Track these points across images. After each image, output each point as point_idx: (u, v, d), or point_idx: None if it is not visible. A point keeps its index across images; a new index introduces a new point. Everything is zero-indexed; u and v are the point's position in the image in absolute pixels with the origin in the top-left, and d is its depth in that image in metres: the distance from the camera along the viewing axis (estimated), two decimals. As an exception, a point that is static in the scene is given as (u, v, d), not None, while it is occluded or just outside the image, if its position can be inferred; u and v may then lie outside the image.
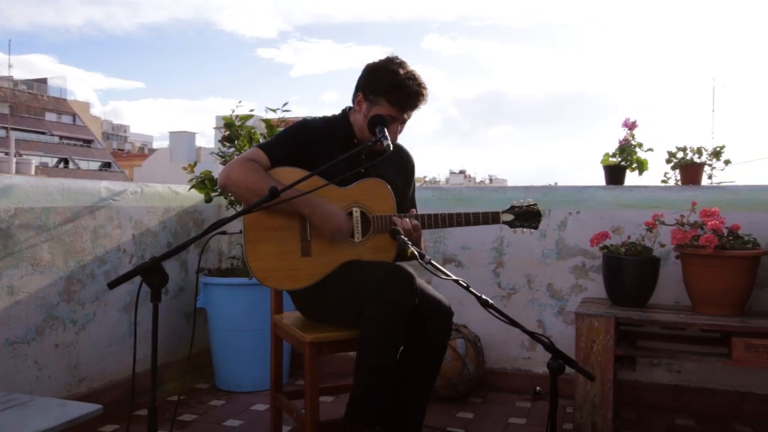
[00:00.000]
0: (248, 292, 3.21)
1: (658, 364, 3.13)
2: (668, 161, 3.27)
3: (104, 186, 3.08)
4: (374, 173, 2.28)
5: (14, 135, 41.31)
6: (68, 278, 2.83)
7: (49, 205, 2.75)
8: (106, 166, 54.46)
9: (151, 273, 1.66)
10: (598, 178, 3.39)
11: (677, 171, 3.28)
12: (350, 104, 2.37)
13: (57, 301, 2.77)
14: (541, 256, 3.33)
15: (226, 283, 3.27)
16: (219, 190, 3.39)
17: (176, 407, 2.13)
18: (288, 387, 3.31)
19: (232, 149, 3.44)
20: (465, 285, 1.73)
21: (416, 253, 1.89)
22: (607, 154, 3.34)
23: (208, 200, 3.43)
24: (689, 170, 3.22)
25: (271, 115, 3.52)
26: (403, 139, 2.40)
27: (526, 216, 2.33)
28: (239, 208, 3.26)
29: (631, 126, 3.29)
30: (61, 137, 52.47)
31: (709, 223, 2.63)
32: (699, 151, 3.21)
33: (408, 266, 2.12)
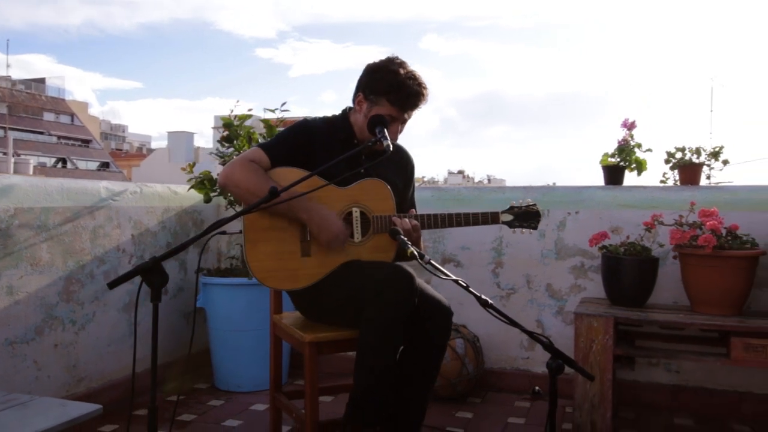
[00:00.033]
0: (247, 292, 3.22)
1: (657, 364, 3.14)
2: (667, 161, 3.28)
3: (104, 186, 3.08)
4: (374, 173, 2.28)
5: (12, 135, 41.25)
6: (67, 278, 2.83)
7: (49, 205, 2.75)
8: (105, 166, 54.43)
9: (152, 273, 1.66)
10: (597, 179, 3.40)
11: (676, 171, 3.29)
12: (350, 104, 2.37)
13: (56, 301, 2.77)
14: (540, 256, 3.33)
15: (226, 283, 3.27)
16: (218, 191, 3.39)
17: (175, 407, 2.14)
18: (287, 387, 3.32)
19: (231, 149, 3.44)
20: (465, 285, 1.73)
21: (416, 253, 1.89)
22: (606, 155, 3.35)
23: (208, 200, 3.43)
24: (688, 170, 3.23)
25: (269, 116, 3.53)
26: (401, 140, 2.40)
27: (526, 216, 2.33)
28: (238, 208, 3.27)
29: (630, 126, 3.30)
30: (59, 137, 52.42)
31: (708, 223, 2.63)
32: (698, 152, 3.21)
33: (408, 266, 2.12)
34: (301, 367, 3.55)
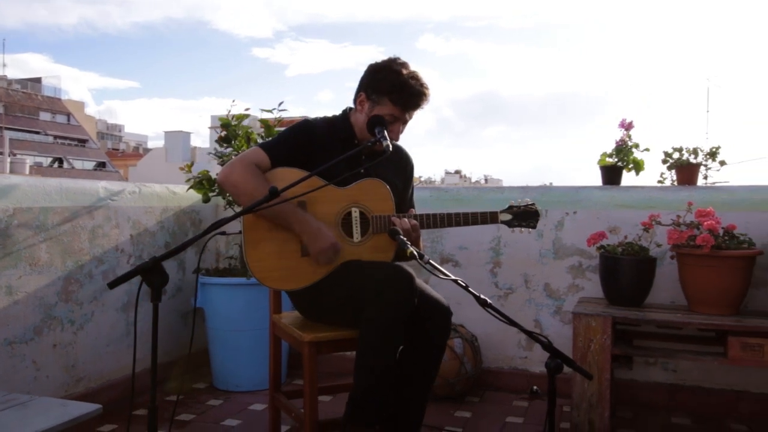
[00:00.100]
0: (246, 292, 3.22)
1: (655, 363, 3.15)
2: (664, 161, 3.29)
3: (102, 186, 3.08)
4: (374, 174, 2.29)
5: (8, 134, 41.15)
6: (66, 278, 2.83)
7: (48, 205, 2.75)
8: (101, 165, 54.30)
9: (152, 273, 1.66)
10: (596, 179, 3.41)
11: (673, 171, 3.30)
12: (348, 104, 2.38)
13: (55, 301, 2.77)
14: (539, 256, 3.34)
15: (224, 283, 3.27)
16: (217, 191, 3.39)
17: (175, 407, 2.14)
18: (286, 387, 3.32)
19: (230, 149, 3.44)
20: (464, 285, 1.74)
21: (415, 252, 1.90)
22: (604, 155, 3.36)
23: (206, 200, 3.43)
24: (685, 171, 3.24)
25: (266, 116, 3.52)
26: (400, 140, 2.41)
27: (525, 215, 2.34)
28: (237, 209, 3.27)
29: (627, 127, 3.31)
30: (55, 137, 52.28)
31: (706, 223, 2.64)
32: (695, 152, 3.23)
33: (407, 266, 2.12)
34: (299, 366, 3.56)
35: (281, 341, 2.56)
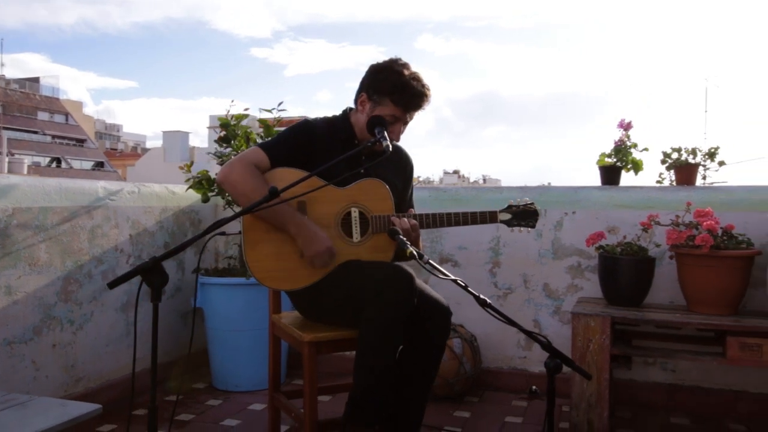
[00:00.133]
0: (245, 292, 3.22)
1: (653, 363, 3.16)
2: (663, 162, 3.30)
3: (101, 186, 3.08)
4: (374, 174, 2.29)
5: (6, 134, 41.11)
6: (66, 278, 2.83)
7: (47, 205, 2.75)
8: (99, 165, 54.26)
9: (152, 273, 1.66)
10: (596, 179, 3.42)
11: (672, 171, 3.30)
12: (347, 104, 2.38)
13: (54, 301, 2.77)
14: (538, 256, 3.34)
15: (224, 283, 3.27)
16: (216, 190, 3.39)
17: (175, 407, 2.14)
18: (285, 386, 3.32)
19: (229, 149, 3.44)
20: (463, 285, 1.74)
21: (415, 252, 1.90)
22: (602, 155, 3.36)
23: (206, 200, 3.43)
24: (684, 171, 3.25)
25: (265, 115, 3.52)
26: (400, 140, 2.41)
27: (524, 215, 2.35)
28: (237, 208, 3.27)
29: (626, 127, 3.31)
30: (53, 136, 52.24)
31: (705, 223, 2.65)
32: (693, 152, 3.23)
33: (407, 266, 2.13)
34: (298, 366, 3.57)
35: (281, 341, 2.56)
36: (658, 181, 3.34)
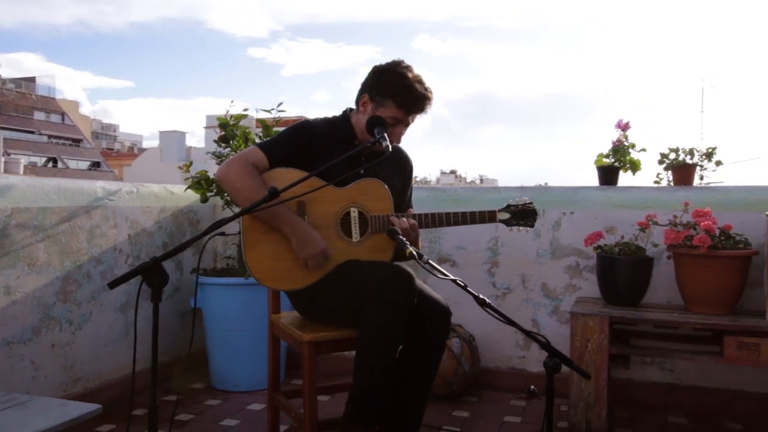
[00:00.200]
0: (244, 292, 3.22)
1: (651, 363, 3.17)
2: (661, 162, 3.31)
3: (100, 186, 3.08)
4: (373, 174, 2.29)
5: (2, 134, 40.99)
6: (64, 278, 2.83)
7: (46, 205, 2.75)
8: (96, 165, 54.16)
9: (152, 273, 1.66)
10: (595, 179, 3.42)
11: (669, 172, 3.31)
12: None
13: (53, 301, 2.77)
14: (536, 256, 3.35)
15: (222, 283, 3.27)
16: (215, 190, 3.39)
17: (175, 407, 2.14)
18: (284, 386, 3.32)
19: (228, 149, 3.44)
20: (462, 284, 1.75)
21: (414, 252, 1.91)
22: (600, 155, 3.37)
23: (204, 200, 3.43)
24: (681, 171, 3.26)
25: (264, 115, 3.53)
26: (400, 142, 2.41)
27: (522, 214, 2.35)
28: (235, 208, 3.27)
29: (624, 127, 3.32)
30: (49, 136, 52.11)
31: (702, 223, 2.66)
32: (691, 152, 3.24)
33: (406, 266, 2.13)
34: (297, 366, 3.58)
35: (280, 341, 2.56)
36: (655, 182, 3.35)
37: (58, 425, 1.80)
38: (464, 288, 1.74)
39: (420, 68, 2.30)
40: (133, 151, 70.17)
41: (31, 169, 42.66)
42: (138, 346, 3.16)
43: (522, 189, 3.46)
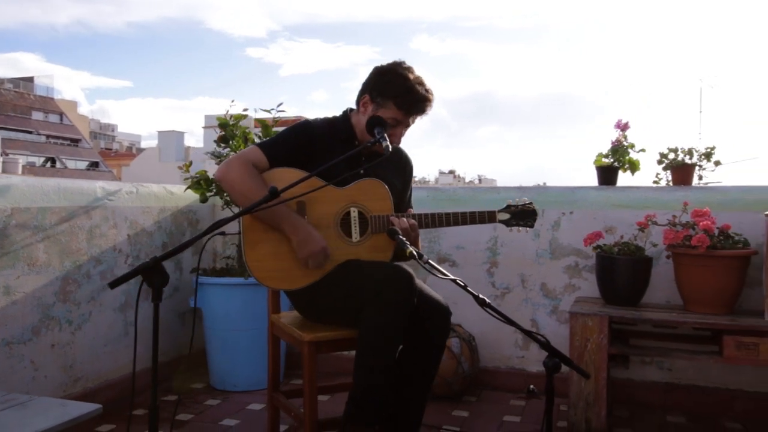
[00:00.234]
0: (243, 291, 3.22)
1: (650, 362, 3.17)
2: (659, 162, 3.32)
3: (100, 186, 3.08)
4: (373, 174, 2.29)
5: (0, 134, 40.95)
6: (64, 278, 2.83)
7: (46, 205, 2.75)
8: (94, 165, 54.10)
9: (153, 273, 1.67)
10: (592, 179, 3.43)
11: (668, 172, 3.32)
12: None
13: (53, 301, 2.77)
14: (535, 256, 3.36)
15: (222, 283, 3.27)
16: (214, 190, 3.39)
17: (176, 407, 2.14)
18: (283, 386, 3.32)
19: (227, 149, 3.44)
20: (462, 284, 1.75)
21: (414, 252, 1.91)
22: (600, 155, 3.38)
23: (204, 200, 3.43)
24: (680, 171, 3.26)
25: (264, 115, 3.53)
26: (400, 143, 2.41)
27: (522, 215, 2.36)
28: (235, 208, 3.28)
29: (623, 127, 3.33)
30: (48, 136, 52.06)
31: (701, 223, 2.67)
32: (690, 152, 3.25)
33: (406, 266, 2.13)
34: (296, 366, 3.58)
35: (280, 341, 2.56)
36: (654, 182, 3.36)
37: (58, 425, 1.80)
38: (464, 288, 1.74)
39: (419, 68, 2.30)
40: (132, 151, 70.11)
41: (30, 169, 42.61)
42: (137, 346, 3.16)
43: (521, 189, 3.47)
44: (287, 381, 3.48)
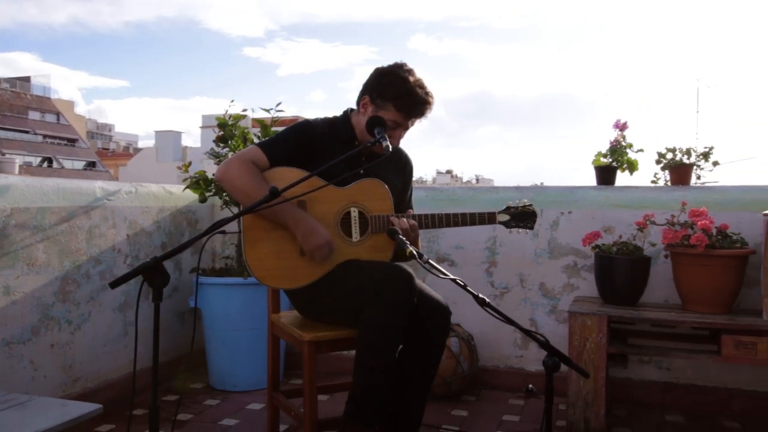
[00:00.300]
0: (243, 291, 3.23)
1: (649, 362, 3.18)
2: (658, 162, 3.33)
3: (99, 186, 3.08)
4: (373, 174, 2.30)
5: (-3, 134, 40.87)
6: (63, 278, 2.82)
7: (45, 205, 2.75)
8: (91, 165, 54.00)
9: (153, 273, 1.67)
10: (591, 179, 3.44)
11: (667, 172, 3.33)
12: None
13: (52, 301, 2.77)
14: (534, 256, 3.36)
15: (221, 283, 3.27)
16: (214, 190, 3.40)
17: (177, 407, 2.14)
18: (283, 386, 3.32)
19: (226, 149, 3.44)
20: (462, 284, 1.75)
21: (414, 252, 1.91)
22: (598, 155, 3.39)
23: (203, 200, 3.43)
24: (679, 171, 3.27)
25: (263, 115, 3.53)
26: (399, 145, 2.41)
27: (522, 216, 2.36)
28: (234, 208, 3.28)
29: (621, 127, 3.34)
30: (44, 136, 51.94)
31: (699, 222, 2.68)
32: (688, 152, 3.26)
33: (406, 266, 2.14)
34: (295, 366, 3.58)
35: (279, 341, 2.56)
36: (653, 181, 3.36)
37: (58, 425, 1.80)
38: (464, 287, 1.75)
39: (418, 69, 2.31)
40: (129, 150, 70.03)
41: (26, 169, 42.53)
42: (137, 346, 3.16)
43: (519, 189, 3.47)
44: (287, 381, 3.48)
